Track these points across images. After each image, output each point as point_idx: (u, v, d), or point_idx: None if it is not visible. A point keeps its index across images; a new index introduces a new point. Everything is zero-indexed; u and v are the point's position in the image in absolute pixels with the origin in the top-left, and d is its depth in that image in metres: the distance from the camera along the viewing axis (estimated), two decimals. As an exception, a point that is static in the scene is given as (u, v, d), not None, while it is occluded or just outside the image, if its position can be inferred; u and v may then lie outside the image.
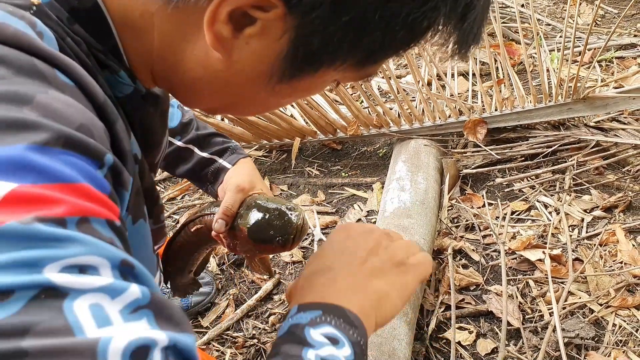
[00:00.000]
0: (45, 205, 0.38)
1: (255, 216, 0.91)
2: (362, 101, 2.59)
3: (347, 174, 2.31)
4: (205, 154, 1.07)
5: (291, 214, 0.90)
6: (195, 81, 0.59)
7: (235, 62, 0.55)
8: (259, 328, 1.69)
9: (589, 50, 2.85)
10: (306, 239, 2.01)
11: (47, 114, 0.41)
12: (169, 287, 1.22)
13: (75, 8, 0.52)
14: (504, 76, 2.32)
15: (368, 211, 2.09)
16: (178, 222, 2.15)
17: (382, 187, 2.13)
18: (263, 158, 2.44)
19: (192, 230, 1.01)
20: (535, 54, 2.20)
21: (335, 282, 0.66)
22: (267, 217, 0.90)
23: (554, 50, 2.83)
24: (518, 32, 2.32)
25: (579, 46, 2.85)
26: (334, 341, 0.57)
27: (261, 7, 0.49)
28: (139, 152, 0.62)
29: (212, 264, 1.93)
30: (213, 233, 0.95)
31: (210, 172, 1.06)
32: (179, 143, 1.07)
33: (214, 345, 1.67)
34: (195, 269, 1.19)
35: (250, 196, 0.97)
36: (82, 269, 0.38)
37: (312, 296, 0.64)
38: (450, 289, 1.67)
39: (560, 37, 3.00)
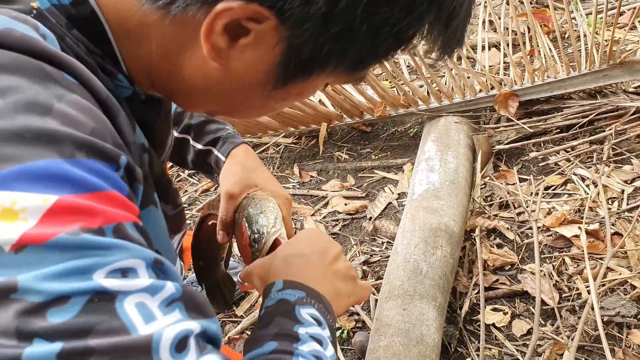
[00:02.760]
0: (85, 216, 0.43)
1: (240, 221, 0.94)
2: (389, 80, 2.54)
3: (377, 157, 2.28)
4: (200, 146, 1.07)
5: (262, 237, 0.90)
6: (193, 88, 0.62)
7: (231, 70, 0.58)
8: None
9: (628, 10, 2.71)
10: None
11: (65, 122, 0.46)
12: (210, 301, 1.24)
13: (73, 15, 0.56)
14: (535, 45, 2.23)
15: (399, 194, 2.06)
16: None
17: (413, 168, 2.09)
18: (292, 145, 2.43)
19: (209, 224, 1.03)
20: (572, 19, 2.10)
21: (310, 267, 0.76)
22: (247, 226, 0.93)
23: (590, 13, 2.70)
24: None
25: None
26: (318, 322, 0.67)
27: (255, 19, 0.52)
28: (146, 142, 0.65)
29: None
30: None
31: (213, 162, 1.06)
32: (176, 134, 1.07)
33: (247, 334, 1.68)
34: (225, 257, 1.20)
35: (246, 196, 0.97)
36: (124, 272, 0.44)
37: (291, 275, 0.73)
38: (484, 270, 1.63)
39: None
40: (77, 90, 0.50)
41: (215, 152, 1.07)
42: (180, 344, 0.44)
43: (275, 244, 0.90)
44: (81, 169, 0.45)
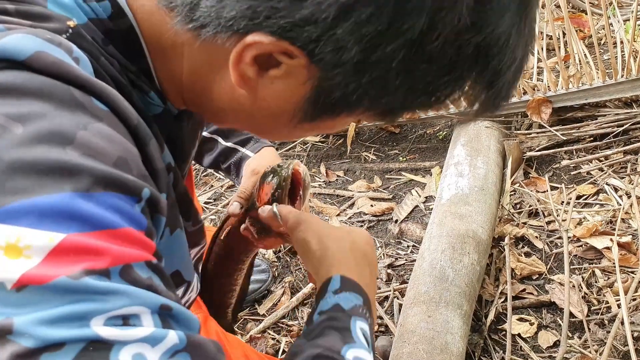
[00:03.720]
0: (91, 257, 0.42)
1: (261, 185, 0.90)
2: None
3: (405, 158, 2.26)
4: (229, 144, 1.07)
5: (280, 169, 0.87)
6: (221, 110, 0.62)
7: (259, 98, 0.57)
8: (314, 317, 1.69)
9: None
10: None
11: (87, 152, 0.44)
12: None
13: (110, 30, 0.55)
14: (570, 51, 2.18)
15: (426, 197, 2.04)
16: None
17: (442, 172, 2.06)
18: (319, 144, 2.42)
19: (222, 237, 0.99)
20: (609, 25, 2.06)
21: (370, 273, 0.74)
22: (265, 180, 0.89)
23: (628, 19, 2.64)
24: (591, 2, 2.18)
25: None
26: (367, 341, 0.64)
27: (286, 53, 0.51)
28: (172, 160, 0.64)
29: (269, 252, 1.94)
30: (243, 227, 0.93)
31: (233, 162, 1.06)
32: (205, 134, 1.07)
33: (269, 333, 1.68)
34: (235, 302, 1.15)
35: None
36: (125, 319, 0.42)
37: (355, 272, 0.71)
38: (511, 279, 1.61)
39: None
40: (105, 117, 0.48)
41: (242, 150, 1.07)
42: None
43: (295, 174, 0.88)
44: (95, 204, 0.43)
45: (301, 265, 1.88)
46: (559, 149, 2.05)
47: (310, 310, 1.71)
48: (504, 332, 1.51)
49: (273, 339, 1.66)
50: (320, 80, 0.53)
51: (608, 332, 1.44)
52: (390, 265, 1.80)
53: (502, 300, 1.59)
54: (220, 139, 1.09)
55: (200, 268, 0.92)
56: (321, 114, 0.58)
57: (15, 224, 0.41)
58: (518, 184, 1.98)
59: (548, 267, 1.68)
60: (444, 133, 2.34)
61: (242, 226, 0.93)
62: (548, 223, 1.82)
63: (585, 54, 2.17)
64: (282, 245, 1.93)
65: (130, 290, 0.43)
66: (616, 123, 2.01)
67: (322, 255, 0.73)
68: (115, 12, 0.55)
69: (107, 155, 0.46)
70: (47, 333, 0.39)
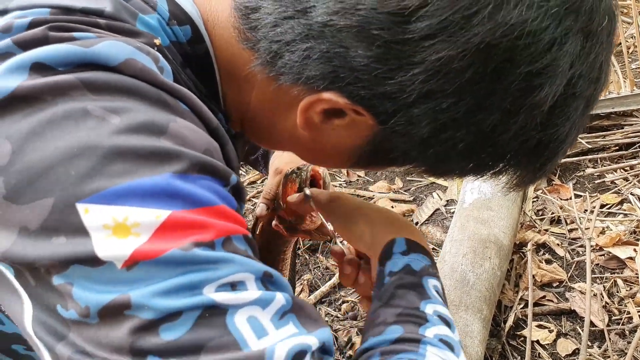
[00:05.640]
0: (197, 230, 0.44)
1: (284, 187, 0.92)
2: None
3: (427, 161, 2.26)
4: None
5: (300, 172, 0.89)
6: (280, 142, 0.66)
7: (319, 140, 0.60)
8: (332, 315, 1.70)
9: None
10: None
11: (179, 142, 0.47)
12: None
13: (189, 54, 0.58)
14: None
15: (447, 200, 2.04)
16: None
17: (463, 176, 2.06)
18: (342, 143, 2.43)
19: (258, 233, 1.01)
20: (636, 34, 2.04)
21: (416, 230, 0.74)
22: (288, 182, 0.91)
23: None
24: (620, 10, 2.16)
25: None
26: (443, 298, 0.66)
27: (355, 110, 0.53)
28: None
29: (288, 249, 1.94)
30: (273, 223, 0.95)
31: (261, 154, 1.07)
32: None
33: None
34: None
35: None
36: (233, 285, 0.45)
37: (415, 234, 0.71)
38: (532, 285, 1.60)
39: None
40: (189, 117, 0.51)
41: None
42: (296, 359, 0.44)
43: (314, 176, 0.90)
44: (193, 184, 0.46)
45: (320, 263, 1.89)
46: (583, 157, 2.04)
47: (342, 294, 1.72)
48: (522, 338, 1.51)
49: (291, 335, 1.66)
50: (383, 140, 0.56)
51: (629, 342, 1.43)
52: (409, 267, 1.80)
53: (522, 306, 1.59)
54: None
55: None
56: (376, 163, 0.62)
57: (121, 204, 0.43)
58: (540, 191, 1.97)
59: (569, 275, 1.67)
60: (466, 137, 2.33)
61: (273, 222, 0.95)
62: (570, 231, 1.81)
63: (613, 62, 2.15)
64: (300, 243, 1.94)
65: (235, 258, 0.45)
66: (643, 133, 2.00)
67: (374, 222, 0.74)
68: (194, 37, 0.58)
69: (197, 145, 0.49)
70: (164, 303, 0.41)
